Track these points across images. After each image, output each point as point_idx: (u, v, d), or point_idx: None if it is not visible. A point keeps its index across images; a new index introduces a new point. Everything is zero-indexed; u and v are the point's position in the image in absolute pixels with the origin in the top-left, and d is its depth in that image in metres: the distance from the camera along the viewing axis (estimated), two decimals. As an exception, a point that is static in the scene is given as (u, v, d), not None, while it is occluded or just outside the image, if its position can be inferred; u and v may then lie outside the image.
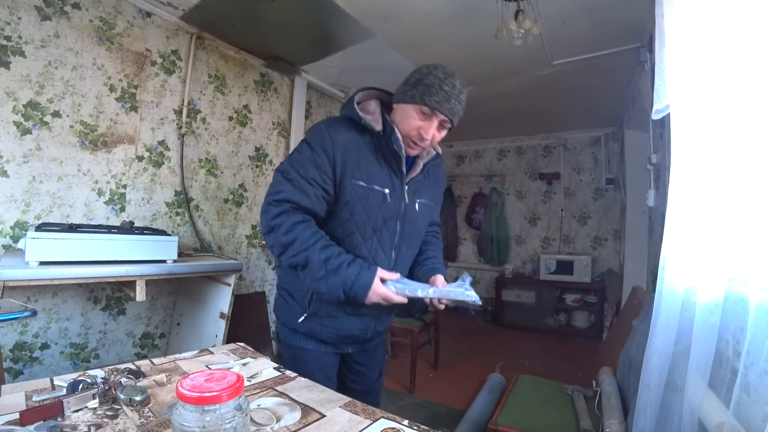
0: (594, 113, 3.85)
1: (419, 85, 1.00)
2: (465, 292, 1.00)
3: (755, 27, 0.78)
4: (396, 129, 1.03)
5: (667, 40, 1.04)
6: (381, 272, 0.97)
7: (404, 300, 0.98)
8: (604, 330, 3.82)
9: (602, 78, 2.92)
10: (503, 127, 4.53)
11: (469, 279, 1.05)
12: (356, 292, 0.94)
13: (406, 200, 1.09)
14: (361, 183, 1.02)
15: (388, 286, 0.96)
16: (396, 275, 1.00)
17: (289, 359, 1.11)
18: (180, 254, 1.85)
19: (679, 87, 0.98)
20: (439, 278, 1.14)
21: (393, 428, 0.65)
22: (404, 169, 1.07)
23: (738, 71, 0.82)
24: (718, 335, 0.84)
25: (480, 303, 0.99)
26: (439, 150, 1.17)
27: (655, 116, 1.14)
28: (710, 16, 0.90)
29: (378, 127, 1.03)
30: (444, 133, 1.06)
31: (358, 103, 1.07)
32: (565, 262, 4.13)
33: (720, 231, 0.85)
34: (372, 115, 1.05)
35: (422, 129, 1.01)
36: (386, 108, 1.09)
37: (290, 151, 3.13)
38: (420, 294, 0.98)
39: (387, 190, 1.05)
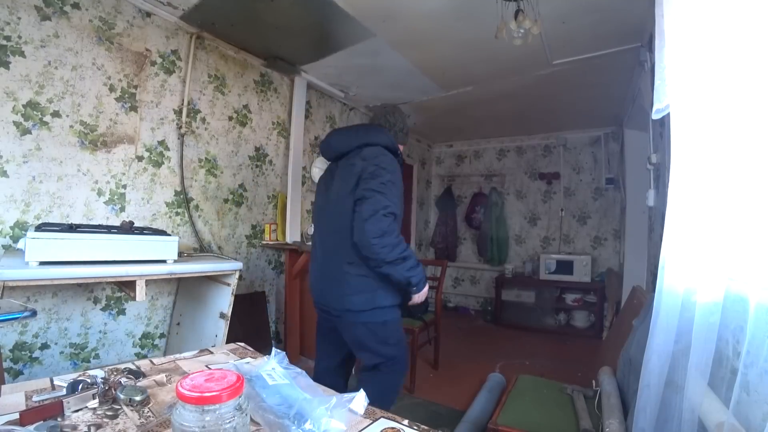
0: (594, 113, 3.84)
1: (406, 130, 1.68)
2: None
3: (755, 27, 0.78)
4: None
5: (667, 40, 1.04)
6: None
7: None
8: (604, 330, 3.82)
9: (602, 78, 2.92)
10: (503, 127, 4.53)
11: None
12: (424, 283, 1.51)
13: None
14: None
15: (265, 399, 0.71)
16: None
17: (394, 330, 1.55)
18: (180, 254, 1.85)
19: (679, 87, 0.98)
20: None
21: (393, 428, 0.66)
22: None
23: (738, 71, 0.82)
24: (718, 335, 0.84)
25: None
26: None
27: (655, 116, 1.14)
28: (710, 16, 0.90)
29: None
30: None
31: None
32: (565, 261, 4.13)
33: (720, 231, 0.85)
34: None
35: None
36: None
37: (289, 151, 3.10)
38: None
39: None
